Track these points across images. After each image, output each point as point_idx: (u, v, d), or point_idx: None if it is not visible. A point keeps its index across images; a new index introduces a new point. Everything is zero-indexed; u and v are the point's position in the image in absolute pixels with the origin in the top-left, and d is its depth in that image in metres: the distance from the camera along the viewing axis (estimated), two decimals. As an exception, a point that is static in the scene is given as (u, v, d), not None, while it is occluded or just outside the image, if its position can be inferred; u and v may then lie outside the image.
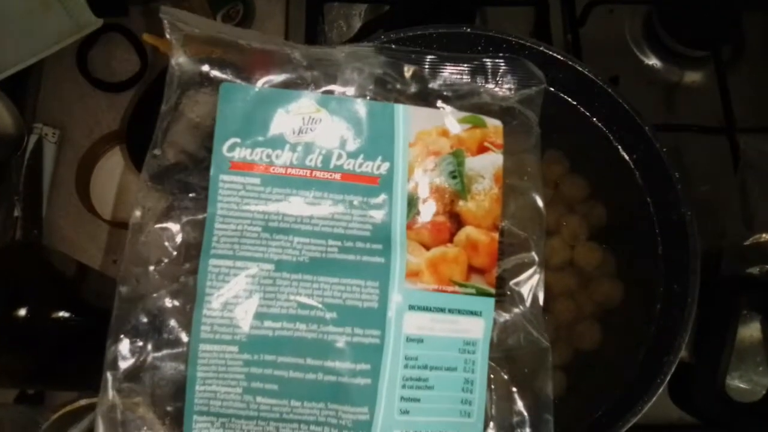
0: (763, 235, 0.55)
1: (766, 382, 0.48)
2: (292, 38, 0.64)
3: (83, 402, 0.46)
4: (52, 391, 0.55)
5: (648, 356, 0.47)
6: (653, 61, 0.68)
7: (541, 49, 0.49)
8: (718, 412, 0.47)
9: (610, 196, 0.51)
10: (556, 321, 0.49)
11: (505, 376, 0.41)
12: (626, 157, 0.51)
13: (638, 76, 0.68)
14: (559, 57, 0.49)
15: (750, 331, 0.53)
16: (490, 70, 0.44)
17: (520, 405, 0.41)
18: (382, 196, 0.39)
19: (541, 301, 0.42)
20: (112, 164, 0.63)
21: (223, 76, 0.39)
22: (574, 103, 0.52)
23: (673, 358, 0.44)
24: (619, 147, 0.51)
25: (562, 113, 0.51)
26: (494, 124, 0.42)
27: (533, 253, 0.42)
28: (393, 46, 0.43)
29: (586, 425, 0.47)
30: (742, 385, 0.53)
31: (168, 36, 0.40)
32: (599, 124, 0.51)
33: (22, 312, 0.42)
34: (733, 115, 0.61)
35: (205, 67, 0.40)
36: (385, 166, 0.40)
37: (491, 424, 0.40)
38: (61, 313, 0.44)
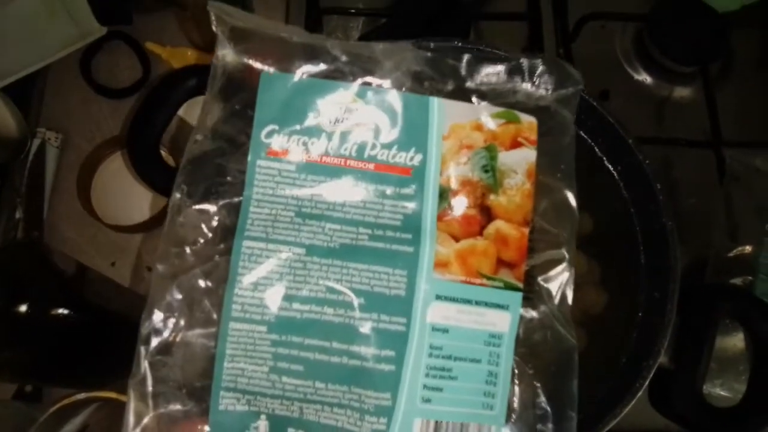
0: (747, 247, 0.56)
1: (748, 391, 0.48)
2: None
3: (81, 396, 0.46)
4: (50, 388, 0.55)
5: (629, 361, 0.47)
6: (643, 76, 0.70)
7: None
8: (696, 416, 0.47)
9: (595, 206, 0.51)
10: None
11: (530, 371, 0.41)
12: (611, 169, 0.52)
13: (628, 91, 0.69)
14: None
15: (733, 341, 0.54)
16: (527, 70, 0.44)
17: (543, 400, 0.41)
18: (414, 187, 0.40)
19: (569, 300, 0.42)
20: (113, 169, 0.64)
21: (264, 66, 0.41)
22: None
23: (652, 362, 0.45)
24: (604, 158, 0.52)
25: None
26: (528, 120, 0.42)
27: (563, 250, 0.42)
28: (432, 44, 0.44)
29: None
30: (724, 393, 0.53)
31: (214, 28, 0.41)
32: (585, 136, 0.52)
33: (23, 308, 0.43)
34: (720, 129, 0.62)
35: (248, 58, 0.41)
36: (419, 157, 0.40)
37: (513, 417, 0.40)
38: (61, 310, 0.45)
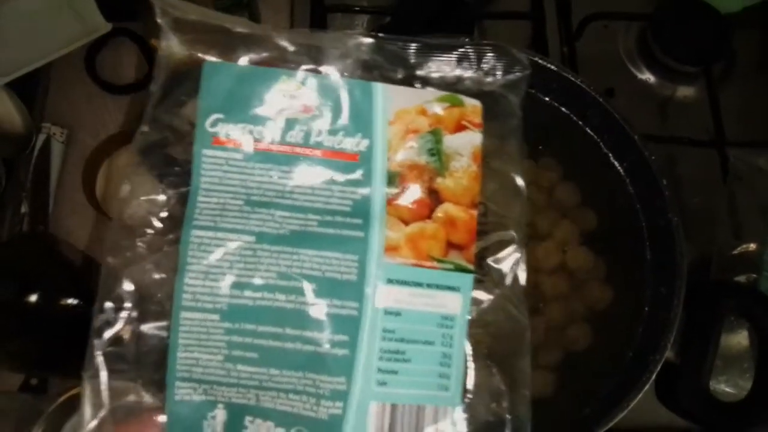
0: (751, 245, 0.57)
1: (752, 387, 0.49)
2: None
3: None
4: (55, 381, 0.55)
5: (635, 356, 0.48)
6: (646, 76, 0.70)
7: (536, 59, 0.50)
8: (702, 410, 0.48)
9: (601, 203, 0.53)
10: (548, 323, 0.50)
11: (484, 351, 0.42)
12: (617, 165, 0.53)
13: (632, 90, 0.70)
14: (553, 68, 0.51)
15: (737, 338, 0.54)
16: (474, 57, 0.45)
17: (498, 380, 0.41)
18: (362, 172, 0.40)
19: (522, 281, 0.43)
20: (118, 164, 0.63)
21: (209, 57, 0.41)
22: (567, 112, 0.53)
23: (658, 357, 0.46)
24: (610, 155, 0.53)
25: (556, 122, 0.53)
26: (472, 103, 0.43)
27: (512, 232, 0.43)
28: (380, 34, 0.44)
29: (575, 422, 0.48)
30: (729, 390, 0.54)
31: (158, 19, 0.41)
32: (591, 133, 0.53)
33: (33, 299, 0.43)
34: (723, 129, 0.64)
35: (192, 49, 0.41)
36: (365, 143, 0.41)
37: (469, 396, 0.41)
38: (70, 301, 0.45)
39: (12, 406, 0.51)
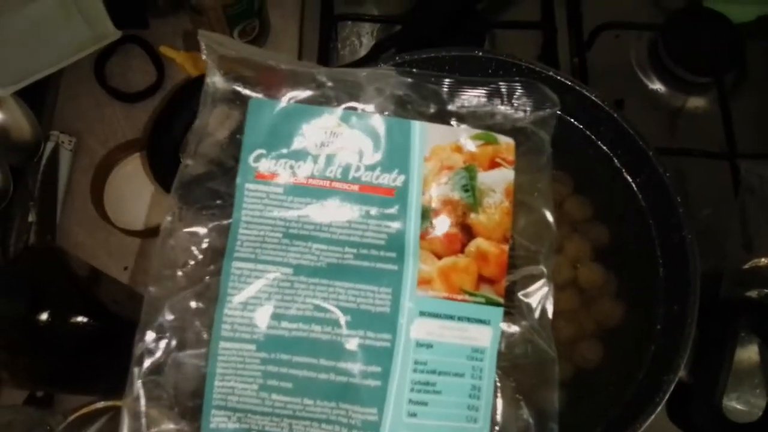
0: (762, 259, 0.56)
1: (764, 404, 0.48)
2: (306, 54, 0.67)
3: (100, 405, 0.47)
4: (63, 394, 0.56)
5: (647, 375, 0.48)
6: (657, 86, 0.70)
7: (550, 73, 0.51)
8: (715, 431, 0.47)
9: (613, 218, 0.52)
10: (558, 339, 0.49)
11: (512, 384, 0.42)
12: (630, 180, 0.52)
13: (642, 101, 0.69)
14: (566, 82, 0.51)
15: (748, 353, 0.53)
16: (505, 93, 0.46)
17: (525, 413, 0.42)
18: (397, 207, 0.41)
19: (550, 314, 0.43)
20: (127, 173, 0.64)
21: (253, 93, 0.42)
22: (580, 126, 0.53)
23: (672, 377, 0.45)
24: (623, 170, 0.53)
25: (568, 136, 0.52)
26: (506, 141, 0.44)
27: (542, 266, 0.43)
28: (414, 70, 0.46)
29: (586, 442, 0.48)
30: (739, 407, 0.53)
31: (204, 57, 0.43)
32: (604, 147, 0.53)
33: (42, 316, 0.43)
34: (735, 140, 0.63)
35: (237, 86, 0.42)
36: (401, 178, 0.42)
37: (496, 429, 0.41)
38: (79, 318, 0.45)
39: (18, 419, 0.51)
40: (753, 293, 0.54)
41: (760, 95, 0.70)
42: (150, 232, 0.61)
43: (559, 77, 0.51)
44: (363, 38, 0.71)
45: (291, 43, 0.69)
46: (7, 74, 0.58)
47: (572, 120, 0.53)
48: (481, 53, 0.51)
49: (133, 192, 0.63)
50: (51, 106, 0.65)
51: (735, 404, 0.54)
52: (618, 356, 0.50)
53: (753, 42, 0.69)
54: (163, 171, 0.49)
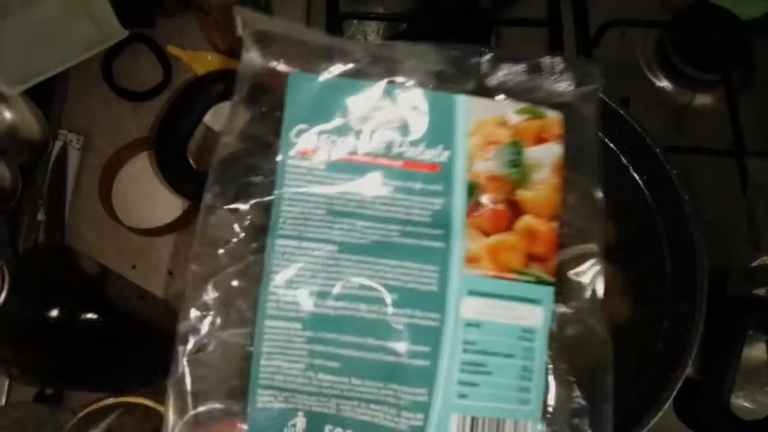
0: None
1: (772, 402, 0.48)
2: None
3: (109, 401, 0.47)
4: (72, 392, 0.56)
5: (655, 372, 0.47)
6: (664, 83, 0.70)
7: None
8: (723, 429, 0.46)
9: (620, 215, 0.51)
10: None
11: (564, 366, 0.41)
12: (637, 178, 0.52)
13: (649, 98, 0.69)
14: None
15: (756, 351, 0.53)
16: (548, 68, 0.45)
17: (578, 394, 0.40)
18: (443, 183, 0.40)
19: (600, 293, 0.42)
20: (135, 171, 0.64)
21: (291, 68, 0.41)
22: None
23: (679, 374, 0.45)
24: (630, 167, 0.53)
25: None
26: (553, 114, 0.42)
27: (593, 245, 0.42)
28: (452, 45, 0.45)
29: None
30: (747, 405, 0.53)
31: (240, 32, 0.42)
32: (611, 145, 0.53)
33: (53, 313, 0.43)
34: (742, 138, 0.62)
35: (274, 61, 0.42)
36: (446, 154, 0.41)
37: (549, 412, 0.40)
38: (90, 315, 0.45)
39: (28, 416, 0.52)
40: (761, 291, 0.54)
41: (767, 92, 0.69)
42: (158, 231, 0.61)
43: None
44: (369, 36, 0.71)
45: (297, 42, 0.69)
46: (15, 74, 0.58)
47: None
48: (485, 50, 0.50)
49: (142, 190, 0.64)
50: (59, 106, 0.66)
51: (743, 402, 0.53)
52: (625, 353, 0.48)
53: (760, 39, 0.69)
54: (170, 169, 0.49)
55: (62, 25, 0.62)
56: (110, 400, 0.47)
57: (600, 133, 0.51)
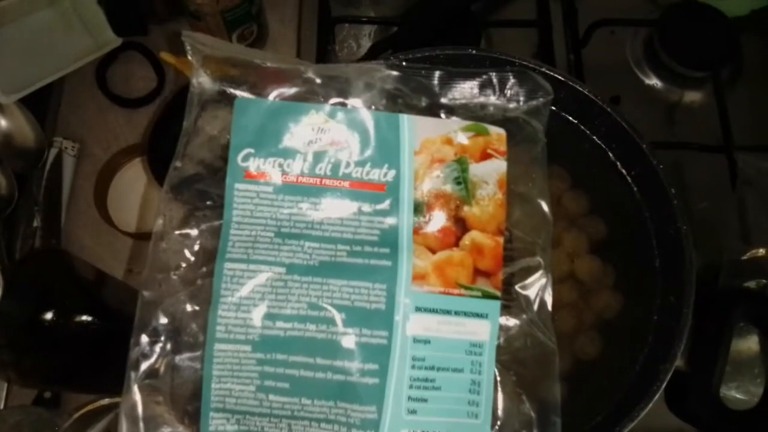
0: (760, 250, 0.56)
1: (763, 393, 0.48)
2: (304, 57, 0.67)
3: (105, 402, 0.47)
4: (70, 394, 0.56)
5: (645, 364, 0.48)
6: (654, 81, 0.70)
7: (543, 70, 0.50)
8: (713, 419, 0.47)
9: (609, 211, 0.53)
10: (557, 331, 0.50)
11: (513, 378, 0.42)
12: (625, 174, 0.53)
13: (639, 96, 0.69)
14: (560, 78, 0.51)
15: (747, 343, 0.54)
16: (497, 83, 0.45)
17: (527, 406, 0.41)
18: (389, 202, 0.41)
19: (549, 306, 0.43)
20: (129, 177, 0.65)
21: (239, 92, 0.42)
22: (575, 121, 0.54)
23: (669, 365, 0.45)
24: (618, 164, 0.53)
25: (563, 131, 0.53)
26: (497, 131, 0.43)
27: (539, 258, 0.43)
28: (403, 63, 0.45)
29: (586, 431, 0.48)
30: (740, 396, 0.53)
31: (189, 57, 0.42)
32: (599, 142, 0.53)
33: (49, 316, 0.44)
34: (731, 133, 0.63)
35: (223, 85, 0.42)
36: (392, 173, 0.41)
37: (498, 424, 0.41)
38: (85, 318, 0.46)
39: (26, 420, 0.52)
40: (751, 284, 0.55)
41: (755, 88, 0.70)
42: (153, 235, 0.61)
43: (552, 73, 0.51)
44: (361, 40, 0.71)
45: (289, 47, 0.69)
46: (10, 82, 0.59)
47: (567, 116, 0.54)
48: (474, 51, 0.51)
49: (136, 195, 0.64)
50: (54, 113, 0.66)
51: (735, 393, 0.54)
52: (616, 347, 0.50)
53: (747, 35, 0.70)
54: (163, 174, 0.49)
55: (57, 34, 0.63)
56: (105, 401, 0.48)
57: (588, 131, 0.54)
